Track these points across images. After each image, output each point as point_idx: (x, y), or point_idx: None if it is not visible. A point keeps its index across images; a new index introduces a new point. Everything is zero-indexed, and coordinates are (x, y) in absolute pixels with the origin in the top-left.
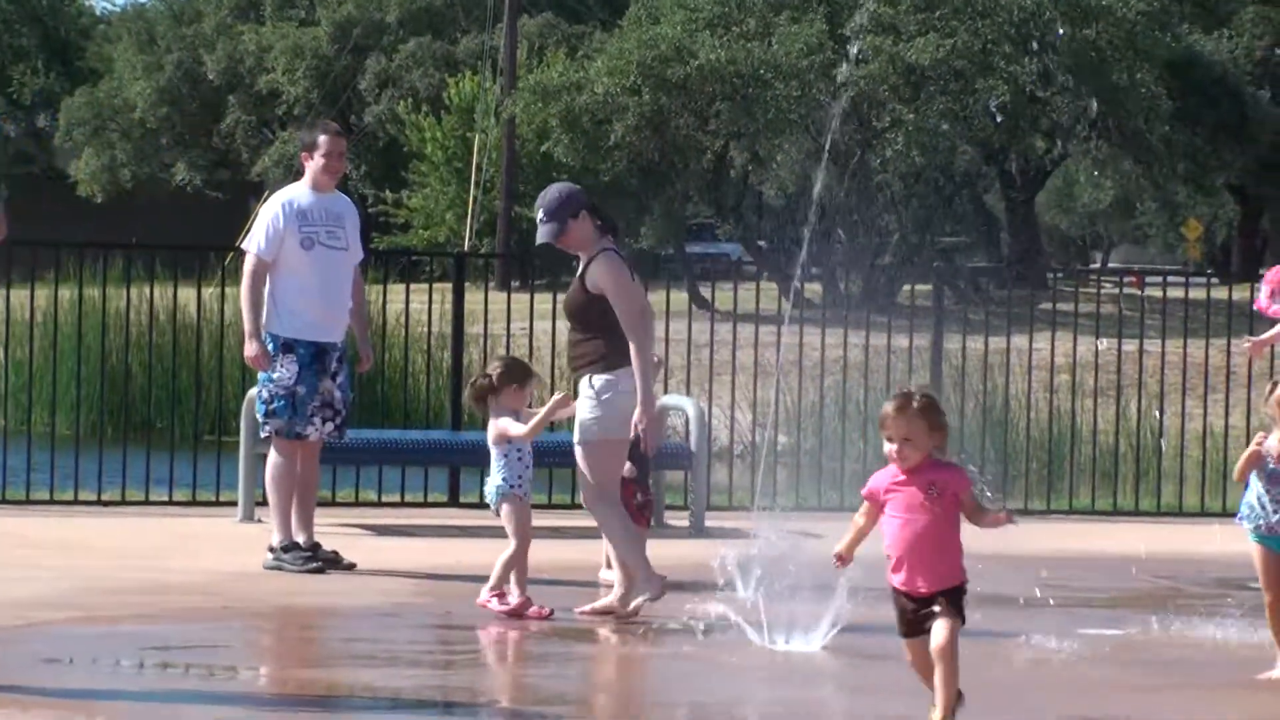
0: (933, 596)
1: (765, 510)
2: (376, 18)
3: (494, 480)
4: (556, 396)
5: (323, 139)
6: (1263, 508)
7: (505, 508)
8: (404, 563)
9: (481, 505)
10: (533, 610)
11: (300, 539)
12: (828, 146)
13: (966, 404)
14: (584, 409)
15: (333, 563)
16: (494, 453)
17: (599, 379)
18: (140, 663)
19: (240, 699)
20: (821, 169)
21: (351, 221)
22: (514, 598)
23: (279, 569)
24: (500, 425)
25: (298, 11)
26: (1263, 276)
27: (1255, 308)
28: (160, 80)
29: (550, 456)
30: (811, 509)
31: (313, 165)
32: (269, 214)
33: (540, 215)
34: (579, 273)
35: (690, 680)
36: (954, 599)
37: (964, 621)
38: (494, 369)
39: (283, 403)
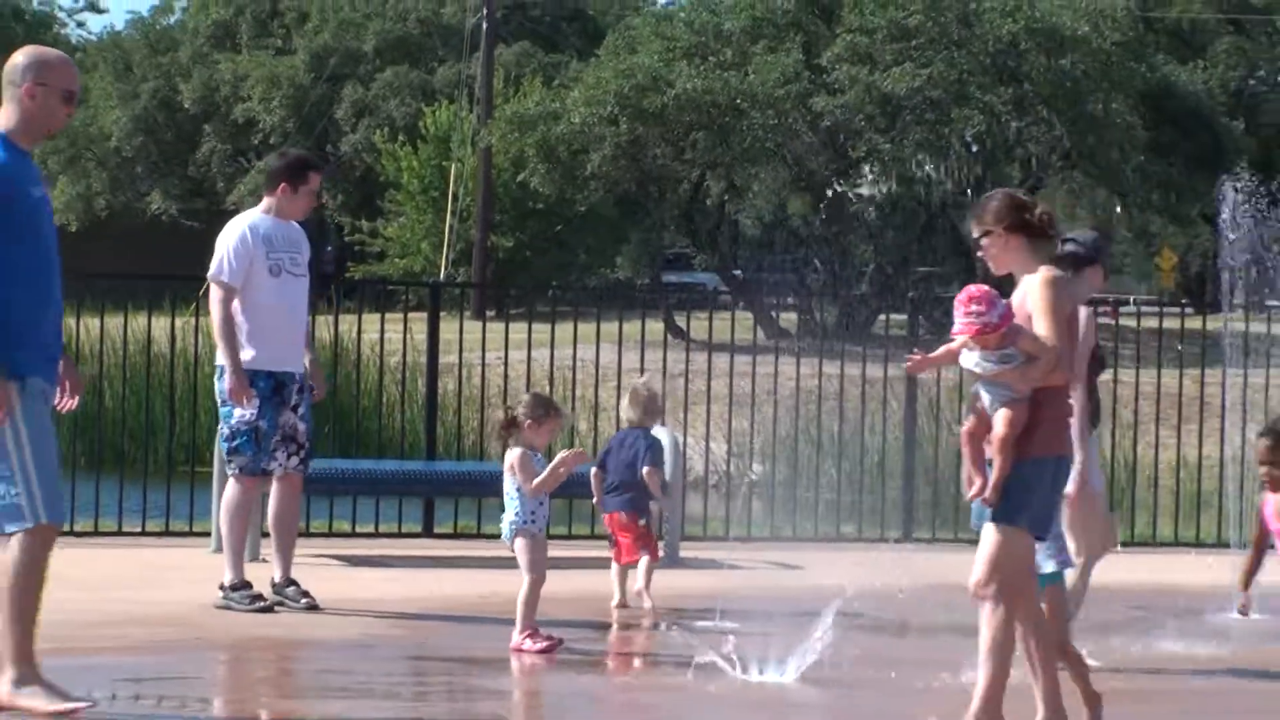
0: None
1: (739, 540)
2: (353, 47)
3: (508, 515)
4: (565, 453)
5: (314, 177)
6: None
7: (519, 543)
8: (378, 594)
9: (456, 536)
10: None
11: (277, 575)
12: (804, 175)
13: (942, 434)
14: None
15: (297, 599)
16: (508, 483)
17: None
18: (113, 695)
19: None
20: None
21: (305, 248)
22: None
23: (228, 608)
24: (513, 458)
25: (274, 40)
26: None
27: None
28: (136, 109)
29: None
30: (785, 539)
31: (292, 197)
32: (232, 239)
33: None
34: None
35: (665, 711)
36: None
37: None
38: (519, 405)
39: (245, 439)
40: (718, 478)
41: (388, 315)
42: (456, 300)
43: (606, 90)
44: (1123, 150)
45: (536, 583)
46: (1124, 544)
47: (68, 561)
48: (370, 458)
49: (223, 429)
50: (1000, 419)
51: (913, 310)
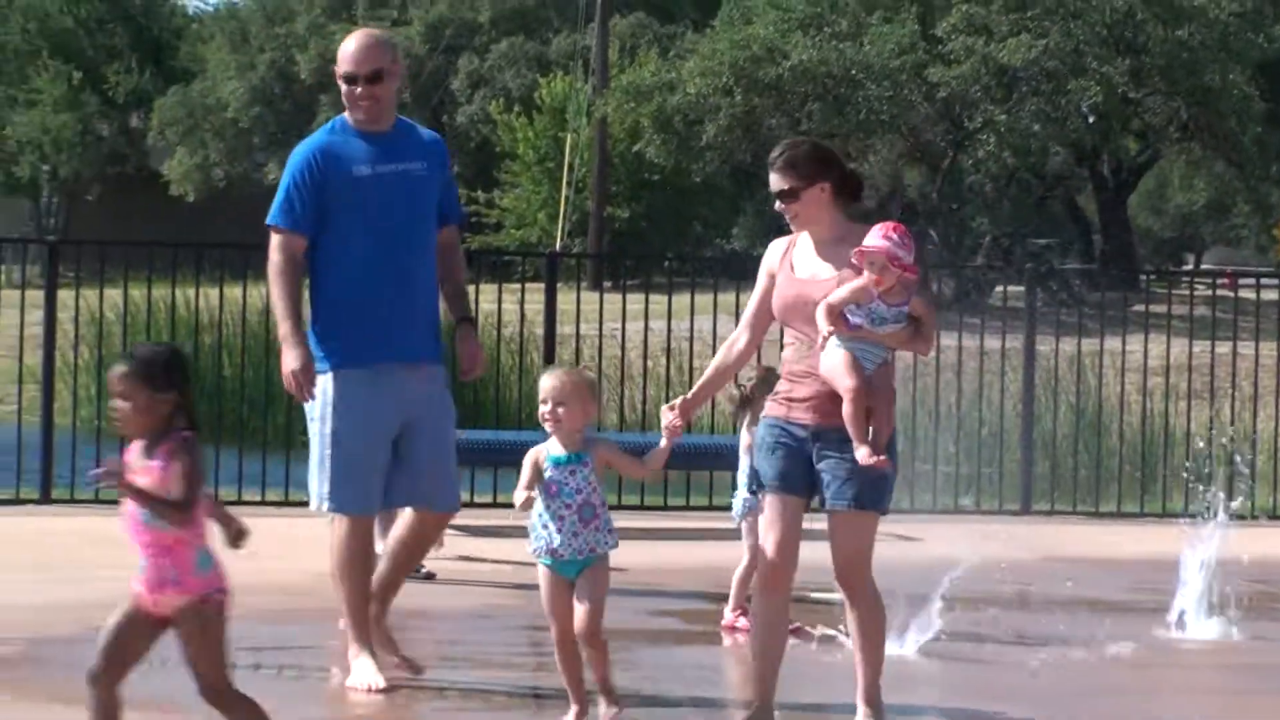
0: None
1: None
2: (469, 18)
3: (742, 493)
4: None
5: None
6: (544, 528)
7: (748, 524)
8: (496, 564)
9: None
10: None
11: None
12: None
13: (1060, 406)
14: None
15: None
16: (744, 463)
17: None
18: (232, 664)
19: (331, 700)
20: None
21: None
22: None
23: None
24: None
25: (390, 11)
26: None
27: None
28: (253, 79)
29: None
30: (903, 510)
31: None
32: None
33: None
34: None
35: (783, 682)
36: None
37: None
38: (749, 378)
39: None
40: None
41: (504, 285)
42: (573, 270)
43: (722, 61)
44: (1240, 121)
45: (755, 563)
46: (1244, 518)
47: None
48: (489, 428)
49: None
50: (883, 380)
51: (1030, 282)
